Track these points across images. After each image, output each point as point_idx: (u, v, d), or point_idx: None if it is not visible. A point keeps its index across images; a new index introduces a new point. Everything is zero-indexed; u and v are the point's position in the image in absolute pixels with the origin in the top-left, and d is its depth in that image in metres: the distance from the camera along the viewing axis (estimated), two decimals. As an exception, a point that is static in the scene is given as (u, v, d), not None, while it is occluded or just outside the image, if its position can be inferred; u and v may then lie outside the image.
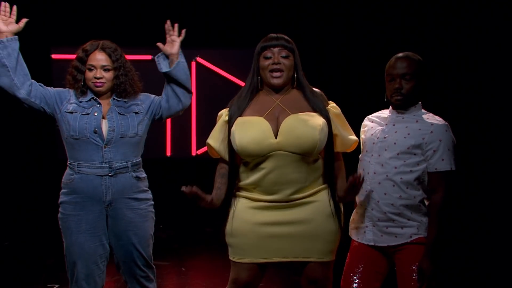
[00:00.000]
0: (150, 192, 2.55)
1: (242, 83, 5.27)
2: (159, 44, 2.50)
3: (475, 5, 4.70)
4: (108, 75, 2.40)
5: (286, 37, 2.15)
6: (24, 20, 2.39)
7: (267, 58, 2.10)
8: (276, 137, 2.03)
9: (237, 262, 2.14)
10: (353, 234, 2.30)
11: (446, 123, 2.16)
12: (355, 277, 2.23)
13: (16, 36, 2.35)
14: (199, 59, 5.35)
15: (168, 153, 5.33)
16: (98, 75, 2.38)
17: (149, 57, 5.22)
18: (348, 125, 2.21)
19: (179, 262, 4.02)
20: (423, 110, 2.21)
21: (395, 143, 2.15)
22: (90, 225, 2.39)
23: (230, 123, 2.12)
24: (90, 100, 2.42)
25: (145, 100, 2.51)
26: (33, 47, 5.23)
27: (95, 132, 2.35)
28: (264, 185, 2.07)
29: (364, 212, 2.22)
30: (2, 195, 5.19)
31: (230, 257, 2.17)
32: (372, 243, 2.20)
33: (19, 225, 5.13)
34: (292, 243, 2.09)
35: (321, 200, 2.12)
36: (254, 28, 5.17)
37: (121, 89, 2.42)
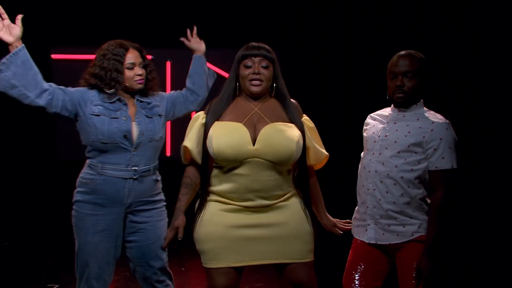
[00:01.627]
0: (163, 193, 2.56)
1: (242, 83, 5.29)
2: (184, 40, 2.78)
3: (476, 4, 4.70)
4: (144, 72, 2.42)
5: (267, 47, 2.16)
6: (19, 17, 2.30)
7: (247, 67, 2.11)
8: (254, 144, 2.03)
9: (212, 269, 2.08)
10: (355, 233, 2.30)
11: (447, 121, 2.15)
12: (356, 275, 2.23)
13: (19, 48, 2.26)
14: (199, 59, 5.34)
15: (168, 153, 5.34)
16: (139, 72, 2.38)
17: (149, 57, 5.20)
18: (320, 140, 2.26)
19: (179, 262, 4.01)
20: (424, 108, 2.21)
21: (395, 142, 2.15)
22: (107, 226, 2.36)
23: (206, 126, 2.12)
24: (115, 102, 2.37)
25: (161, 101, 2.53)
26: (33, 47, 5.23)
27: (125, 136, 2.32)
28: (238, 191, 2.06)
29: (365, 210, 2.22)
30: (2, 195, 5.19)
31: (203, 265, 2.12)
32: (373, 242, 2.20)
33: (19, 225, 5.12)
34: (271, 245, 2.08)
35: (293, 203, 2.14)
36: (254, 28, 5.18)
37: (151, 85, 2.46)
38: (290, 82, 5.56)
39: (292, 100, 2.20)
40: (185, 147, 2.17)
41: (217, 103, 2.16)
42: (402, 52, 2.19)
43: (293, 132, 2.06)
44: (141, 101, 2.43)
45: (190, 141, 2.16)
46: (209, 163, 2.14)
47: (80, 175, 2.42)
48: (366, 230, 2.22)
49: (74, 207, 2.40)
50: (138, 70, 2.38)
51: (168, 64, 5.30)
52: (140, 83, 2.39)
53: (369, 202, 2.20)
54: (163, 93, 2.60)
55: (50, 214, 5.21)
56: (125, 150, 2.34)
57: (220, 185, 2.10)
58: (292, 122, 2.11)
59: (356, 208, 2.32)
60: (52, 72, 5.17)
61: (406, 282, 2.14)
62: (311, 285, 2.12)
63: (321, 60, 5.38)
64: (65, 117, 2.38)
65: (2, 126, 5.18)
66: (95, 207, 2.35)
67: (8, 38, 2.23)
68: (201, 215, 2.13)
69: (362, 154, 2.31)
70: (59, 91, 2.36)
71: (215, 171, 2.13)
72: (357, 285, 2.22)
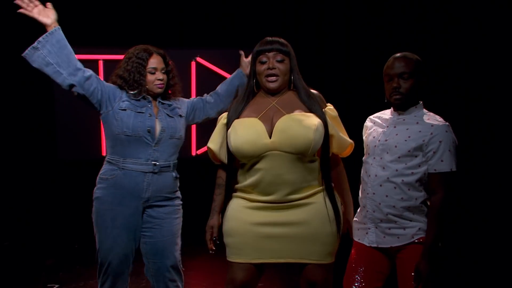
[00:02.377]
0: (180, 192, 2.63)
1: (242, 83, 5.29)
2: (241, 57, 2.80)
3: (476, 4, 4.70)
4: (165, 77, 2.53)
5: (281, 40, 2.16)
6: (49, 5, 2.51)
7: (262, 62, 2.12)
8: (270, 137, 2.04)
9: (233, 262, 2.13)
10: (355, 236, 2.30)
11: (447, 123, 2.15)
12: (357, 277, 2.23)
13: (55, 28, 2.45)
14: (199, 59, 5.34)
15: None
16: (160, 77, 2.49)
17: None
18: (344, 129, 2.23)
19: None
20: (424, 110, 2.21)
21: (396, 146, 2.14)
22: (126, 220, 2.44)
23: (228, 126, 2.15)
24: (141, 99, 2.49)
25: (182, 104, 2.65)
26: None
27: (148, 131, 2.43)
28: (261, 186, 2.07)
29: (366, 214, 2.22)
30: (2, 195, 5.19)
31: (227, 257, 2.17)
32: (375, 245, 2.20)
33: (19, 225, 5.13)
34: (289, 245, 2.09)
35: (318, 202, 2.12)
36: (254, 28, 5.18)
37: (174, 90, 2.59)
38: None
39: (313, 90, 2.20)
40: (209, 149, 2.21)
41: (237, 102, 2.20)
42: (397, 54, 2.20)
43: (311, 120, 2.05)
44: (162, 103, 2.55)
45: (213, 142, 2.21)
46: (235, 162, 2.17)
47: (100, 172, 2.51)
48: (367, 233, 2.22)
49: (94, 204, 2.49)
50: (159, 75, 2.49)
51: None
52: (159, 87, 2.50)
53: (369, 206, 2.20)
54: (184, 98, 2.70)
55: (50, 214, 5.22)
56: (147, 144, 2.43)
57: (245, 181, 2.13)
58: (311, 112, 2.10)
59: (358, 211, 2.32)
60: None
61: (406, 284, 2.14)
62: (325, 287, 2.12)
63: (320, 60, 5.38)
64: (88, 104, 2.48)
65: (3, 126, 5.18)
66: (114, 201, 2.43)
67: (46, 20, 2.45)
68: (227, 210, 2.18)
69: (363, 158, 2.32)
70: (95, 79, 2.47)
71: (240, 170, 2.16)
72: (357, 286, 2.22)
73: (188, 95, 5.44)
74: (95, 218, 2.48)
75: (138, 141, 2.42)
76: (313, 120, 2.05)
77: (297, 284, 2.20)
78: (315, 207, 2.10)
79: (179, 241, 2.57)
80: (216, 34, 5.35)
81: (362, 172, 2.29)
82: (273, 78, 2.11)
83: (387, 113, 2.29)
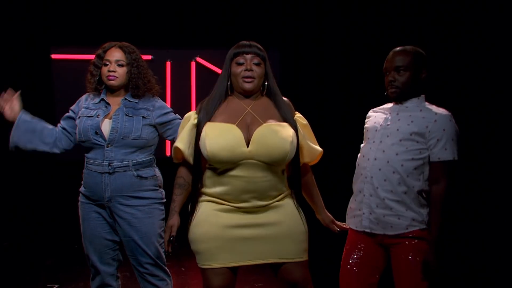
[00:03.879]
0: (160, 191, 2.59)
1: (242, 83, 5.28)
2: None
3: (476, 1, 4.70)
4: (122, 70, 2.50)
5: (258, 45, 2.16)
6: (16, 94, 2.61)
7: (239, 64, 2.10)
8: (247, 146, 2.02)
9: (208, 269, 2.07)
10: (350, 223, 2.29)
11: (450, 113, 2.16)
12: (352, 270, 2.22)
13: (18, 118, 2.57)
14: (199, 59, 5.35)
15: (168, 153, 5.33)
16: (111, 69, 2.48)
17: (149, 57, 5.23)
18: (314, 137, 2.25)
19: (179, 262, 4.02)
20: (426, 103, 2.22)
21: (397, 130, 2.16)
22: (98, 214, 2.53)
23: (199, 127, 2.10)
24: (99, 102, 2.53)
25: (158, 110, 2.56)
26: (33, 47, 5.25)
27: (96, 133, 2.46)
28: (233, 193, 2.05)
29: (362, 199, 2.21)
30: (2, 195, 5.18)
31: (199, 265, 2.11)
32: (368, 230, 2.19)
33: (19, 225, 5.13)
34: (266, 245, 2.07)
35: (287, 203, 2.14)
36: (254, 29, 5.17)
37: (133, 84, 2.51)
38: (289, 82, 5.56)
39: (284, 98, 2.20)
40: (177, 148, 2.15)
41: (208, 103, 2.14)
42: (397, 48, 2.23)
43: (286, 132, 2.05)
44: (128, 101, 2.53)
45: (182, 142, 2.14)
46: (202, 164, 2.14)
47: None
48: (361, 219, 2.22)
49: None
50: (111, 67, 2.49)
51: (168, 64, 5.30)
52: (110, 79, 2.49)
53: (365, 190, 2.19)
54: (165, 105, 2.62)
55: (50, 214, 5.21)
56: (100, 146, 2.47)
57: (214, 187, 2.09)
58: (285, 121, 2.10)
59: (352, 198, 2.31)
60: (52, 72, 5.18)
61: (401, 279, 2.14)
62: (306, 285, 2.12)
63: (320, 60, 5.38)
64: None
65: (2, 126, 5.18)
66: (87, 197, 2.55)
67: (10, 116, 2.57)
68: (195, 215, 2.12)
69: (362, 145, 2.32)
70: (62, 135, 2.63)
71: (208, 173, 2.11)
72: (354, 281, 2.21)
73: (188, 95, 5.46)
74: (79, 211, 2.60)
75: (92, 143, 2.48)
76: (288, 131, 2.06)
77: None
78: (285, 208, 2.12)
79: (155, 239, 2.52)
80: (216, 34, 5.34)
81: (358, 158, 2.29)
82: (250, 79, 2.09)
83: (389, 104, 2.31)
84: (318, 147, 2.24)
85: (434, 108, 2.18)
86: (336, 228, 2.33)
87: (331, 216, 2.35)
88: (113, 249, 2.58)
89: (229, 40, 5.41)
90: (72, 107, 2.64)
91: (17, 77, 5.12)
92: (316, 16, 5.34)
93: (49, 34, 5.13)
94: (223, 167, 2.05)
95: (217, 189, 2.08)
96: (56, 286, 3.68)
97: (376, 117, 2.29)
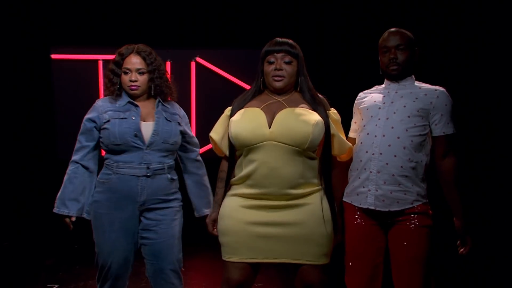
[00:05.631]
0: (180, 193, 2.59)
1: (242, 83, 5.28)
2: None
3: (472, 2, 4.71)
4: (143, 78, 2.45)
5: (290, 41, 2.19)
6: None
7: (270, 63, 2.15)
8: (270, 128, 2.05)
9: (228, 262, 2.13)
10: (355, 201, 2.28)
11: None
12: (358, 253, 2.25)
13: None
14: (198, 59, 5.34)
15: None
16: (133, 78, 2.43)
17: (168, 63, 5.22)
18: (344, 134, 2.27)
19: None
20: (417, 82, 2.32)
21: (404, 106, 2.21)
22: (123, 224, 2.43)
23: (231, 118, 2.17)
24: (126, 104, 2.46)
25: (184, 118, 2.60)
26: (33, 47, 5.25)
27: (135, 136, 2.39)
28: (256, 177, 2.06)
29: (368, 176, 2.22)
30: (2, 195, 5.19)
31: (222, 257, 2.17)
32: (372, 207, 2.21)
33: (19, 225, 5.13)
34: (285, 245, 2.08)
35: (314, 202, 2.11)
36: (254, 29, 5.17)
37: (158, 90, 2.48)
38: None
39: (320, 95, 2.23)
40: (211, 138, 2.24)
41: (242, 97, 2.22)
42: (392, 29, 2.31)
43: (311, 116, 2.07)
44: (163, 105, 2.51)
45: (215, 132, 2.24)
46: (236, 155, 2.19)
47: (99, 175, 2.50)
48: (367, 196, 2.23)
49: (93, 207, 2.48)
50: (133, 76, 2.43)
51: (168, 64, 5.30)
52: (132, 89, 2.44)
53: (372, 167, 2.21)
54: (187, 120, 2.64)
55: (50, 214, 5.20)
56: (138, 148, 2.40)
57: (241, 173, 2.12)
58: (314, 111, 2.12)
59: (353, 176, 2.30)
60: (52, 72, 5.18)
61: (401, 249, 2.18)
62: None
63: (320, 60, 5.38)
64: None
65: (2, 125, 5.18)
66: (111, 205, 2.42)
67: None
68: (222, 207, 2.18)
69: (363, 123, 2.31)
70: (91, 153, 2.51)
71: (238, 161, 2.16)
72: (360, 262, 2.24)
73: (188, 95, 5.46)
74: (93, 221, 2.47)
75: (129, 146, 2.40)
76: (314, 116, 2.08)
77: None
78: (311, 208, 2.10)
79: (179, 243, 2.54)
80: (216, 34, 5.34)
81: (360, 136, 2.30)
82: (279, 78, 2.13)
83: (381, 86, 2.37)
84: (348, 143, 2.24)
85: (429, 85, 2.28)
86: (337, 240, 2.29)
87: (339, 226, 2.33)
88: (130, 261, 2.50)
89: (229, 40, 5.45)
90: (89, 117, 2.47)
91: (17, 77, 5.13)
92: (316, 16, 5.34)
93: (49, 34, 5.13)
94: (247, 150, 2.08)
95: (243, 174, 2.10)
96: (56, 286, 3.68)
97: (373, 96, 2.33)
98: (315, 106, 2.14)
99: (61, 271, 4.00)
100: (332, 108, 2.23)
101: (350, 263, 2.28)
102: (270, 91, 2.19)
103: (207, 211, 2.61)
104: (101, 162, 2.54)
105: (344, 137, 2.24)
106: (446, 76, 4.76)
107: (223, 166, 2.28)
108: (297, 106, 2.11)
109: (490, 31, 4.70)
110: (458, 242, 2.26)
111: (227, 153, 2.22)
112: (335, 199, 2.25)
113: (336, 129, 2.19)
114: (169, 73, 2.60)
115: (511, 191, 4.66)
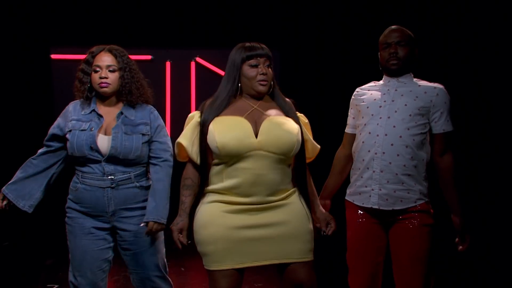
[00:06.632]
0: None
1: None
2: None
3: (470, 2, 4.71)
4: (114, 76, 2.34)
5: (265, 46, 2.16)
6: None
7: (254, 66, 2.10)
8: (256, 137, 2.03)
9: (216, 271, 2.05)
10: (358, 201, 2.28)
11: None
12: (360, 253, 2.27)
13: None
14: (198, 59, 5.35)
15: None
16: (103, 75, 2.32)
17: (149, 57, 5.23)
18: (312, 135, 2.27)
19: (179, 262, 4.02)
20: (415, 79, 2.32)
21: (406, 105, 2.21)
22: (94, 230, 2.38)
23: (204, 124, 2.09)
24: (90, 112, 2.37)
25: (154, 122, 2.43)
26: (33, 47, 5.25)
27: (91, 148, 2.30)
28: (242, 187, 2.04)
29: (371, 175, 2.23)
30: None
31: (205, 267, 2.09)
32: (376, 206, 2.22)
33: (19, 225, 5.12)
34: (272, 245, 2.06)
35: (294, 202, 2.11)
36: (254, 29, 5.17)
37: (126, 90, 2.36)
38: (289, 82, 5.57)
39: (287, 98, 2.21)
40: (180, 145, 2.14)
41: (215, 102, 2.12)
42: (393, 26, 2.33)
43: (292, 125, 2.08)
44: (126, 117, 2.37)
45: (185, 138, 2.12)
46: (208, 162, 2.12)
47: (70, 183, 2.44)
48: (370, 196, 2.23)
49: (66, 213, 2.46)
50: (103, 73, 2.32)
51: (168, 64, 5.30)
52: (103, 87, 2.33)
53: (375, 167, 2.21)
54: (160, 120, 2.47)
55: (50, 214, 5.20)
56: (97, 161, 2.32)
57: (222, 183, 2.07)
58: (287, 117, 2.12)
59: (356, 176, 2.30)
60: (52, 72, 5.18)
61: (403, 246, 2.19)
62: (311, 285, 2.10)
63: (320, 60, 5.38)
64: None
65: (2, 125, 5.18)
66: (81, 213, 2.39)
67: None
68: (202, 216, 2.11)
69: (363, 122, 2.29)
70: (49, 154, 2.54)
71: (215, 169, 2.10)
72: (361, 261, 2.26)
73: (188, 95, 5.45)
74: (67, 227, 2.44)
75: (87, 158, 2.31)
76: (293, 124, 2.09)
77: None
78: (292, 206, 2.10)
79: (161, 248, 2.46)
80: (216, 34, 5.34)
81: (362, 135, 2.29)
82: (265, 82, 2.10)
83: (379, 82, 2.37)
84: (317, 144, 2.26)
85: (427, 82, 2.29)
86: (328, 230, 2.18)
87: (327, 214, 2.24)
88: (104, 270, 2.43)
89: (229, 40, 5.41)
90: (57, 123, 2.44)
91: (17, 77, 5.13)
92: (316, 16, 5.34)
93: (49, 34, 5.13)
94: (232, 160, 2.03)
95: (226, 184, 2.06)
96: (56, 286, 3.68)
97: (372, 94, 2.33)
98: (286, 110, 2.14)
99: (61, 271, 4.00)
100: (297, 112, 2.20)
101: (353, 263, 2.29)
102: (249, 96, 2.14)
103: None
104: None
105: (313, 140, 2.24)
106: (443, 72, 4.77)
107: (188, 172, 2.16)
108: (273, 113, 2.10)
109: (487, 29, 4.71)
110: (457, 239, 2.26)
111: (197, 160, 2.13)
112: (312, 196, 2.24)
113: (307, 131, 2.21)
114: (144, 77, 2.47)
115: (509, 188, 4.66)
